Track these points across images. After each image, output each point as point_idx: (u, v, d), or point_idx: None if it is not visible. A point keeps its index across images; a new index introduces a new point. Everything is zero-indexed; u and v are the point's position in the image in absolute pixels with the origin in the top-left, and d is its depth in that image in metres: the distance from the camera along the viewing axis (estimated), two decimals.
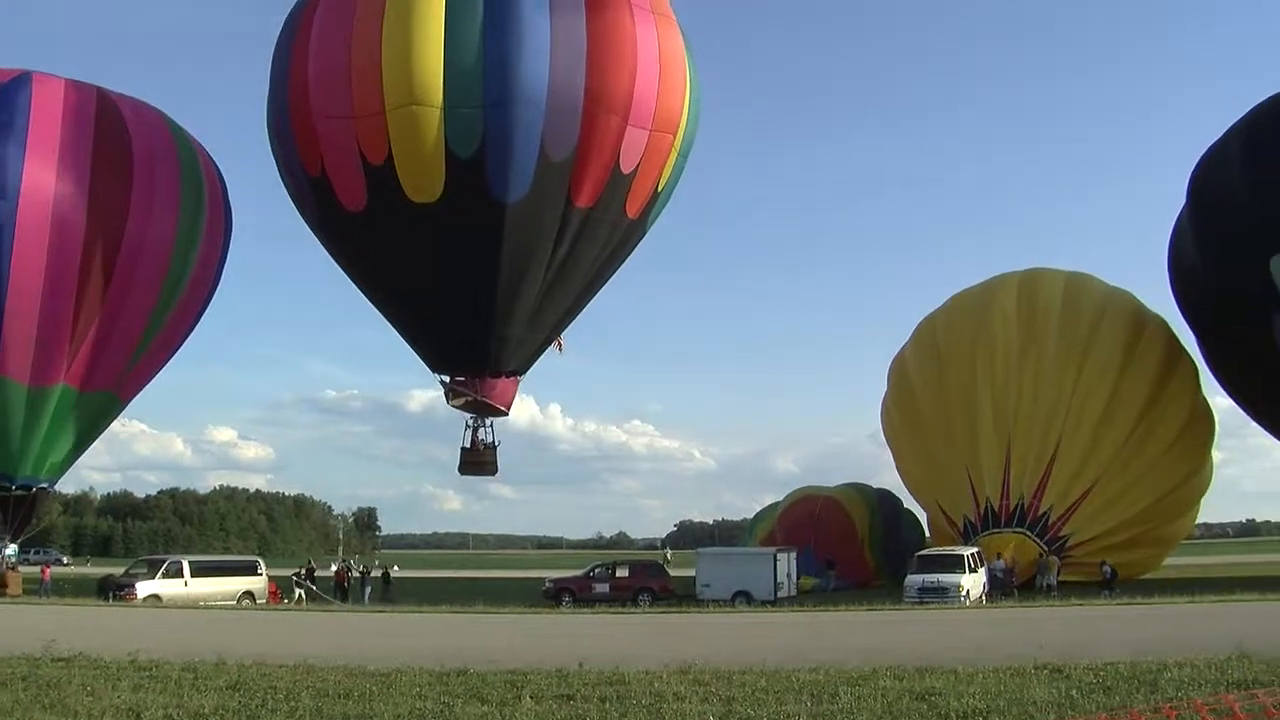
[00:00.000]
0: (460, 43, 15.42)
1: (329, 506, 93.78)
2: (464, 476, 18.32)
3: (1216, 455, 19.25)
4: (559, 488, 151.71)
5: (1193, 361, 17.88)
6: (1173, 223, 16.44)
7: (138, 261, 17.62)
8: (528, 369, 17.99)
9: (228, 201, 19.80)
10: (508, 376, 17.52)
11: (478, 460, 18.00)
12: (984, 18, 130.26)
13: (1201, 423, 18.21)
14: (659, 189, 17.13)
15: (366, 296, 17.90)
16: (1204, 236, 14.48)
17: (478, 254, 16.14)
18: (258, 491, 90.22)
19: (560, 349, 18.35)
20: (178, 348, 19.91)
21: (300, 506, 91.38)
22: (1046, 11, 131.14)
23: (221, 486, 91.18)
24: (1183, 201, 16.07)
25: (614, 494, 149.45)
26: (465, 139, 15.48)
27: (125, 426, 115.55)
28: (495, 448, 18.12)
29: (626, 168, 16.32)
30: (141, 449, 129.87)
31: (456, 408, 17.81)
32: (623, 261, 17.87)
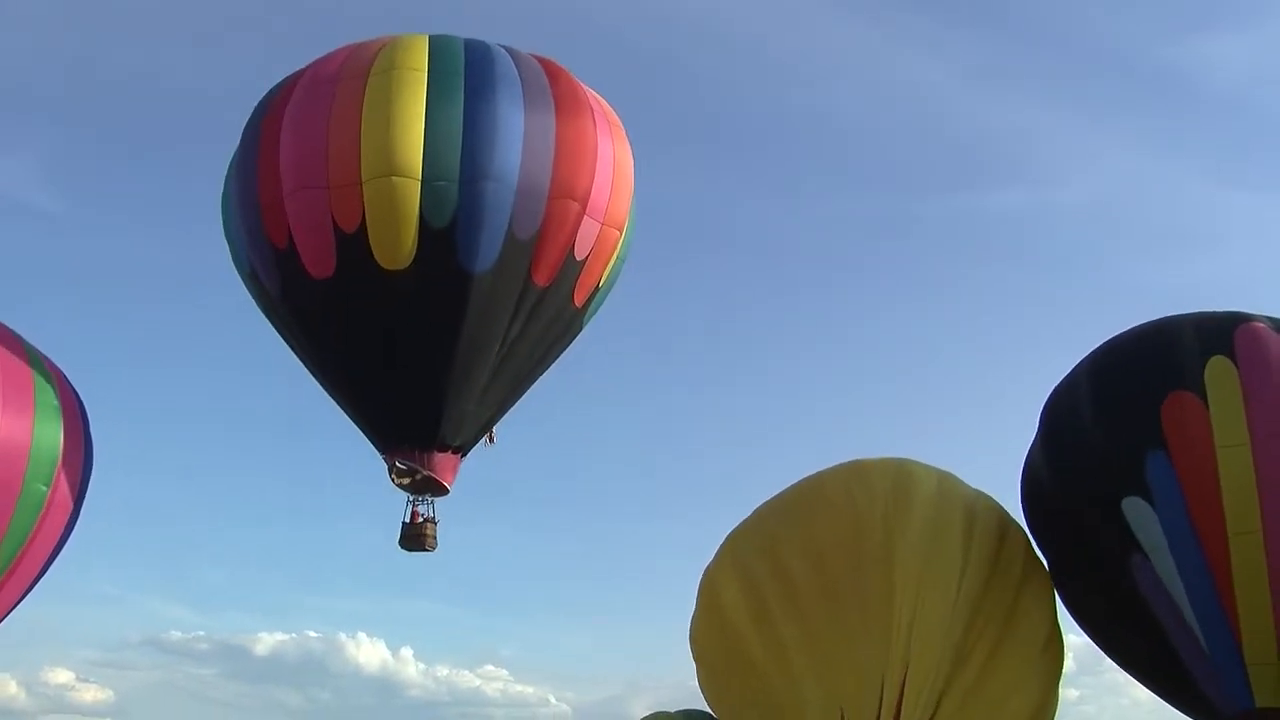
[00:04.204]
0: (439, 127, 16.73)
1: None
2: (407, 552, 18.40)
3: (1072, 693, 18.56)
4: None
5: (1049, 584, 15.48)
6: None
7: None
8: (470, 449, 18.47)
9: (88, 429, 17.52)
10: (453, 452, 18.07)
11: (418, 533, 18.20)
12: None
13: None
14: (600, 283, 18.55)
15: (318, 375, 18.35)
16: (1057, 475, 14.30)
17: (442, 321, 16.93)
18: None
19: (491, 441, 19.07)
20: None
21: None
22: None
23: None
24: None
25: None
26: (439, 210, 16.56)
27: None
28: (436, 523, 18.41)
29: (580, 254, 17.68)
30: None
31: (401, 487, 18.05)
32: (561, 352, 18.93)
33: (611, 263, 18.52)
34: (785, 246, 54.99)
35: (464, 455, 18.38)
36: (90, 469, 17.17)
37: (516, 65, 17.77)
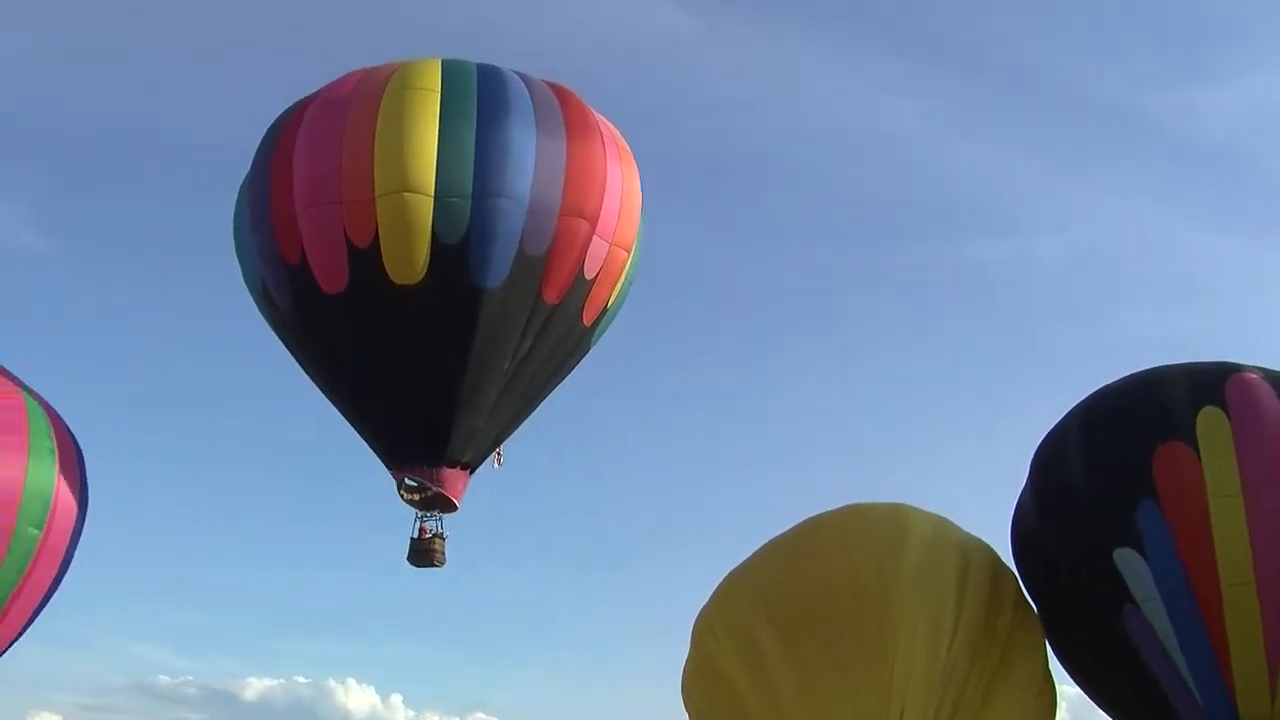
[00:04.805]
0: (452, 145, 17.00)
1: None
2: (415, 568, 18.51)
3: None
4: None
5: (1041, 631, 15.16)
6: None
7: None
8: (478, 466, 18.55)
9: (84, 471, 17.13)
10: (462, 468, 18.13)
11: (427, 549, 18.28)
12: None
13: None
14: (609, 304, 18.74)
15: (328, 391, 18.48)
16: (1047, 525, 14.16)
17: (453, 336, 17.07)
18: None
19: (499, 462, 19.14)
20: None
21: None
22: None
23: None
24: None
25: None
26: (452, 226, 16.77)
27: None
28: (444, 539, 18.46)
29: (589, 273, 17.89)
30: None
31: (409, 503, 18.17)
32: (570, 371, 19.08)
33: (620, 284, 18.71)
34: (756, 294, 55.18)
35: (473, 472, 18.42)
36: (85, 512, 16.83)
37: (528, 89, 18.09)
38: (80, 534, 16.78)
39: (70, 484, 16.40)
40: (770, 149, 54.91)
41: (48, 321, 50.30)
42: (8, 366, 17.12)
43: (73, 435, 16.98)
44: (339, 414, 18.67)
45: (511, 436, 19.06)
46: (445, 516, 18.42)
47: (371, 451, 18.45)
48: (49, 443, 16.28)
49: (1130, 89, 53.11)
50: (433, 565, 18.43)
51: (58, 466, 16.21)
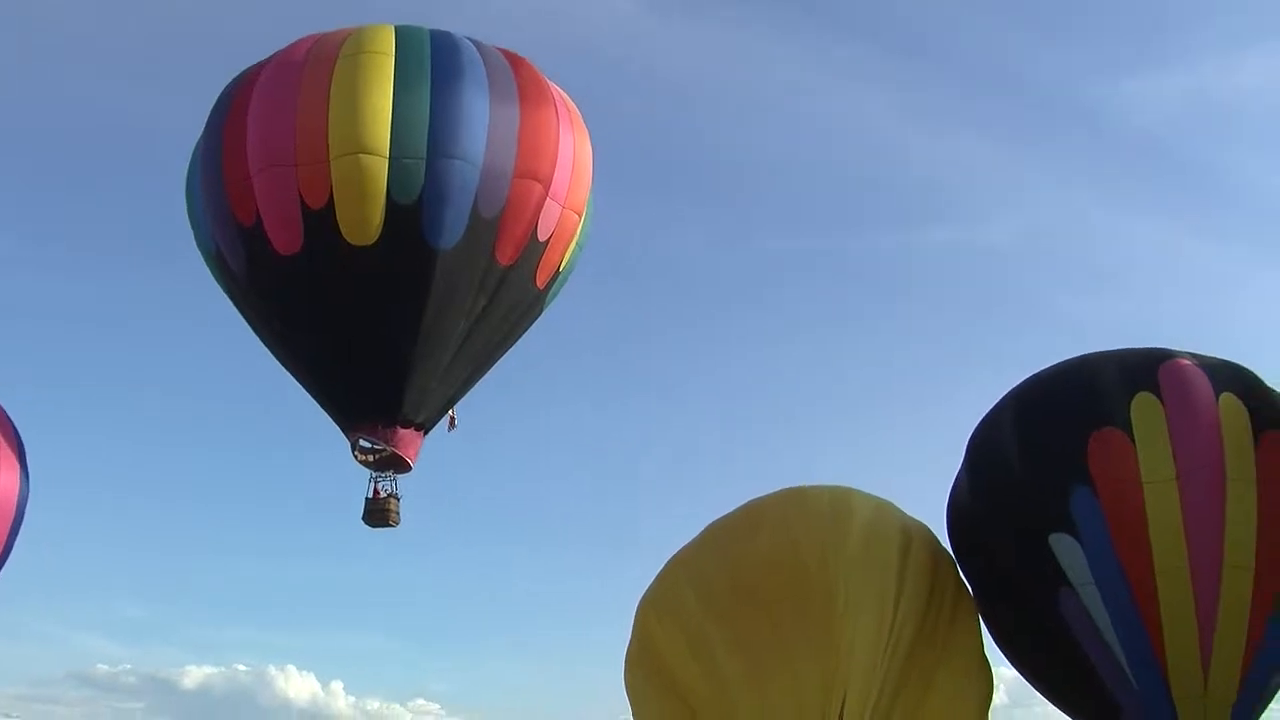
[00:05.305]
0: (406, 108, 17.11)
1: None
2: (371, 528, 18.59)
3: None
4: None
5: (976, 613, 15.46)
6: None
7: None
8: (431, 427, 18.71)
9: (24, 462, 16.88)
10: (416, 429, 18.27)
11: (382, 509, 18.42)
12: None
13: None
14: (561, 267, 18.97)
15: (281, 352, 18.54)
16: (983, 509, 14.19)
17: (407, 296, 17.24)
18: None
19: (453, 424, 19.29)
20: None
21: None
22: None
23: None
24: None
25: None
26: (406, 187, 16.90)
27: None
28: (399, 499, 18.60)
29: (542, 235, 18.11)
30: None
31: (364, 464, 18.32)
32: (521, 334, 19.27)
33: (571, 247, 18.96)
34: (715, 279, 55.75)
35: (426, 432, 18.59)
36: (25, 502, 16.67)
37: (481, 55, 18.23)
38: (20, 523, 16.61)
39: (9, 474, 16.26)
40: (716, 135, 55.37)
41: None
42: None
43: (13, 423, 16.80)
44: (291, 379, 18.76)
45: (463, 399, 19.31)
46: (399, 477, 18.57)
47: (325, 416, 18.55)
48: None
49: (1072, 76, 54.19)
50: (388, 525, 18.55)
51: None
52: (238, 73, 18.41)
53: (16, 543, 16.54)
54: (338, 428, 18.35)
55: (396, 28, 18.25)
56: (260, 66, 18.11)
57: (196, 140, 18.63)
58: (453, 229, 17.17)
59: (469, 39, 18.59)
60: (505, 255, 17.72)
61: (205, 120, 18.37)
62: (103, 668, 50.61)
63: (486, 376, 19.41)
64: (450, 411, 18.96)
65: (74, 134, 52.69)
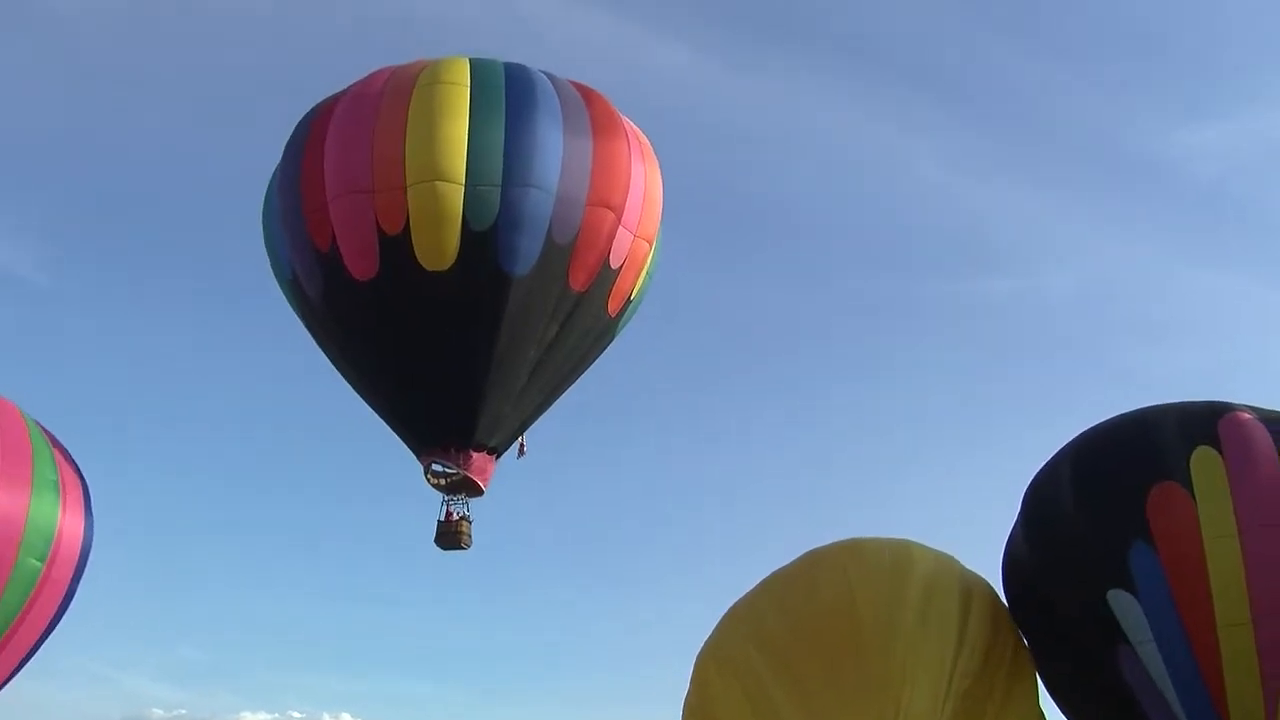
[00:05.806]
0: (482, 136, 17.50)
1: None
2: (442, 550, 18.84)
3: None
4: None
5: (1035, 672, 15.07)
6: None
7: None
8: (504, 451, 18.92)
9: (89, 505, 17.00)
10: (489, 453, 18.47)
11: (454, 531, 18.65)
12: None
13: None
14: (632, 295, 19.21)
15: (355, 377, 18.87)
16: (1039, 564, 13.99)
17: (481, 321, 17.49)
18: None
19: (523, 451, 19.43)
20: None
21: None
22: None
23: None
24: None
25: None
26: (481, 213, 17.21)
27: None
28: (470, 522, 18.80)
29: (615, 263, 18.37)
30: None
31: (436, 487, 18.53)
32: (592, 362, 19.49)
33: (642, 276, 19.18)
34: (773, 327, 55.68)
35: (498, 457, 18.78)
36: (90, 546, 16.71)
37: (555, 87, 18.61)
38: (84, 567, 16.68)
39: (74, 516, 16.38)
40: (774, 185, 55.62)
41: (52, 352, 50.24)
42: (9, 397, 16.96)
43: (77, 466, 16.99)
44: (364, 404, 19.03)
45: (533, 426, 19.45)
46: (471, 500, 18.71)
47: (398, 440, 18.80)
48: (53, 475, 16.33)
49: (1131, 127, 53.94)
50: (459, 547, 18.75)
51: (62, 499, 16.24)
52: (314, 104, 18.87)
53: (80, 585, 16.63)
54: (410, 452, 18.57)
55: (471, 60, 18.67)
56: (337, 97, 18.54)
57: (272, 171, 19.05)
58: (527, 255, 17.41)
59: (543, 72, 18.95)
60: (578, 281, 17.92)
61: (281, 152, 18.81)
62: (158, 712, 50.86)
63: (556, 404, 19.63)
64: (520, 438, 19.12)
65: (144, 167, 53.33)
